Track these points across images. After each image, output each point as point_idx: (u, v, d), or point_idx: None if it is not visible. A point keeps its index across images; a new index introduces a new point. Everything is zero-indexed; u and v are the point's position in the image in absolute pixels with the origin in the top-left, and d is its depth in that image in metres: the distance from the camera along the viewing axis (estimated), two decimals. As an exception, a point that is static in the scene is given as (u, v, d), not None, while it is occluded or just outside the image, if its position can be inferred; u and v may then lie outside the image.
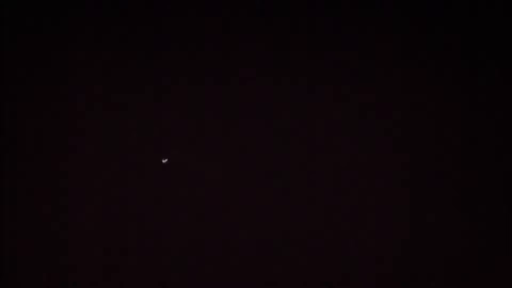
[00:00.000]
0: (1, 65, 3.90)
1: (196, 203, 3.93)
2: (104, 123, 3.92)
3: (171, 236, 3.90)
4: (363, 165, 3.98)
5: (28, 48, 3.92)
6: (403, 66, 4.03)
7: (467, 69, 4.05)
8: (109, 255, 3.87)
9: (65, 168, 3.88)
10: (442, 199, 3.99)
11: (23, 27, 3.91)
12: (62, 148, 3.89)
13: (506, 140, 4.02)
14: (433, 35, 4.04)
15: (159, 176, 3.92)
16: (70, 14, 3.93)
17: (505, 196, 4.00)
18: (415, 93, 4.02)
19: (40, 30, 3.92)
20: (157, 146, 3.93)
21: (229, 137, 3.97)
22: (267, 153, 3.97)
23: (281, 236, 3.94)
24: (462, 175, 4.01)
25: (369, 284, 3.94)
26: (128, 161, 3.91)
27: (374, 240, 3.95)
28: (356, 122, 3.99)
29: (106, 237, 3.88)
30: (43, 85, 3.91)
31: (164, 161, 3.05)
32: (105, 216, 3.88)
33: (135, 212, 3.90)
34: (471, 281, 3.96)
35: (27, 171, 3.88)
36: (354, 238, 3.95)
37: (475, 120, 4.04)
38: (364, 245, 3.95)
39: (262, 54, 3.99)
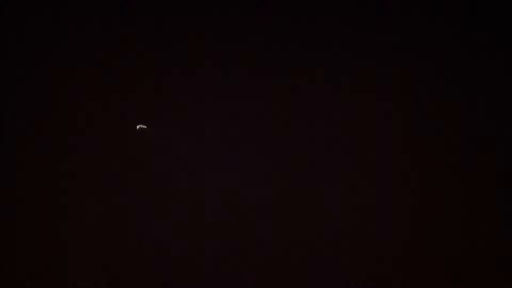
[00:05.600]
0: (1, 65, 3.90)
1: (196, 203, 3.93)
2: (104, 123, 3.92)
3: (171, 236, 3.90)
4: (364, 165, 3.99)
5: (28, 48, 3.92)
6: (403, 65, 4.03)
7: (468, 68, 4.06)
8: (109, 255, 3.87)
9: (65, 168, 3.89)
10: (442, 199, 4.00)
11: (23, 26, 3.92)
12: (62, 148, 3.90)
13: (507, 139, 4.03)
14: (433, 34, 4.05)
15: (159, 176, 3.92)
16: (70, 15, 3.94)
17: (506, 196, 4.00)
18: (416, 92, 4.03)
19: (40, 29, 3.92)
20: (157, 146, 3.93)
21: (229, 137, 3.97)
22: (267, 153, 3.97)
23: (282, 236, 3.94)
24: (463, 174, 4.01)
25: (370, 284, 3.94)
26: (128, 160, 3.91)
27: (374, 240, 3.96)
28: (356, 122, 4.00)
29: (106, 237, 3.88)
30: (43, 85, 3.92)
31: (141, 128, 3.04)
32: (105, 215, 3.89)
33: (135, 212, 3.90)
34: (471, 281, 3.96)
35: (27, 171, 3.88)
36: (354, 238, 3.96)
37: (476, 120, 4.04)
38: (365, 245, 3.96)
39: (262, 54, 3.99)
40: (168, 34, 3.96)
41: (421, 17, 4.05)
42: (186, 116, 3.96)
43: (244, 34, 3.99)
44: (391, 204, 3.98)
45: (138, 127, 3.06)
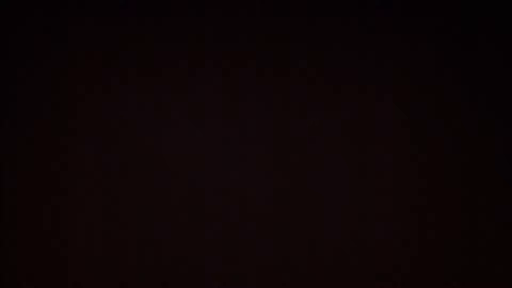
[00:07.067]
0: (1, 64, 3.90)
1: (196, 203, 3.93)
2: (104, 123, 3.92)
3: (171, 236, 3.91)
4: (364, 165, 3.99)
5: (28, 48, 3.92)
6: (403, 65, 4.04)
7: (469, 67, 4.06)
8: (109, 255, 3.87)
9: (65, 168, 3.89)
10: (443, 199, 4.00)
11: (24, 27, 3.92)
12: (62, 148, 3.90)
13: (507, 139, 4.03)
14: (433, 34, 4.06)
15: (159, 176, 3.92)
16: (70, 15, 3.94)
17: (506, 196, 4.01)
18: (417, 92, 4.04)
19: (40, 30, 3.92)
20: (157, 146, 3.93)
21: (229, 136, 3.97)
22: (268, 153, 3.98)
23: (282, 236, 3.95)
24: (463, 174, 4.02)
25: (370, 284, 3.95)
26: (128, 160, 3.91)
27: (375, 240, 3.96)
28: (356, 122, 4.00)
29: (106, 237, 3.88)
30: (43, 85, 3.92)
31: None
32: (105, 216, 3.89)
33: (135, 212, 3.91)
34: (471, 281, 3.97)
35: (27, 171, 3.88)
36: (355, 238, 3.96)
37: (476, 121, 4.04)
38: (365, 245, 3.96)
39: (262, 54, 4.00)
40: (168, 34, 3.97)
41: (421, 17, 4.06)
42: (186, 115, 3.96)
43: (245, 34, 3.99)
44: (391, 203, 3.98)
45: None
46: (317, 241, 3.95)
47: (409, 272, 3.96)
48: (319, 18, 4.02)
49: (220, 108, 3.97)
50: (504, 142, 4.04)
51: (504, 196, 4.01)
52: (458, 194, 4.01)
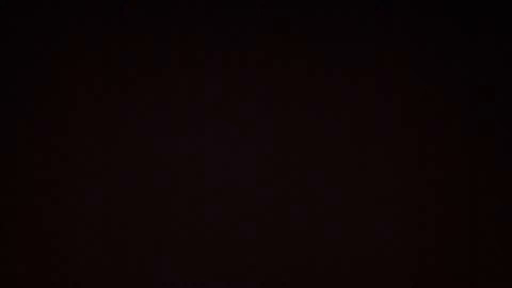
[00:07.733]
0: (1, 64, 3.90)
1: (196, 203, 3.93)
2: (104, 123, 3.92)
3: (171, 236, 3.91)
4: (364, 165, 3.99)
5: (28, 47, 3.92)
6: (403, 65, 4.04)
7: (469, 67, 4.07)
8: (109, 255, 3.87)
9: (65, 168, 3.89)
10: (443, 199, 4.00)
11: (24, 27, 3.92)
12: (62, 148, 3.90)
13: (507, 139, 4.03)
14: (433, 33, 4.06)
15: (159, 176, 3.92)
16: (70, 14, 3.94)
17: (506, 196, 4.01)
18: (416, 93, 4.04)
19: (40, 30, 3.92)
20: (157, 146, 3.93)
21: (229, 137, 3.97)
22: (268, 153, 3.98)
23: (282, 236, 3.95)
24: (463, 174, 4.02)
25: (370, 284, 3.95)
26: (128, 160, 3.91)
27: (375, 240, 3.96)
28: (356, 122, 4.00)
29: (106, 237, 3.88)
30: (43, 85, 3.92)
31: None
32: (105, 216, 3.89)
33: (135, 212, 3.91)
34: (471, 281, 3.97)
35: (27, 171, 3.88)
36: (355, 238, 3.96)
37: (476, 121, 4.04)
38: (365, 245, 3.96)
39: (263, 53, 3.99)
40: (168, 34, 3.96)
41: (422, 17, 4.06)
42: (186, 115, 3.96)
43: (245, 34, 3.99)
44: (391, 203, 3.98)
45: None
46: (317, 241, 3.95)
47: (410, 272, 3.96)
48: (319, 17, 4.02)
49: (220, 108, 3.97)
50: (504, 142, 4.04)
51: (504, 196, 4.01)
52: (458, 194, 4.01)
